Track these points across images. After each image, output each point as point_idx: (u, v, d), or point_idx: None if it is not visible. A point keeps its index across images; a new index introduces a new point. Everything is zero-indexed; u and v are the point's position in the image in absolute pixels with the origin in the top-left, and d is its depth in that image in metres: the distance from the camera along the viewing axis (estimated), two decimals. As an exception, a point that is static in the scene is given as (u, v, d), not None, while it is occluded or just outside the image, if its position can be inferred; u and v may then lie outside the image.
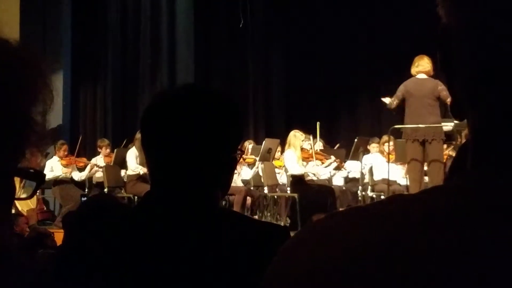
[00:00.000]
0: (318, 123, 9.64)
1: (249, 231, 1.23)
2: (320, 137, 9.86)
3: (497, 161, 0.52)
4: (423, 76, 7.16)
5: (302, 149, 8.88)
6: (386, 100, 7.58)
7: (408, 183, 8.00)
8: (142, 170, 8.36)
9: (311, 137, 9.15)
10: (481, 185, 0.51)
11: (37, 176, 0.80)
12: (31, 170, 0.78)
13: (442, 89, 6.93)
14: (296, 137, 8.83)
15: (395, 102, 7.35)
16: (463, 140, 7.34)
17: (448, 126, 7.29)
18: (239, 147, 1.34)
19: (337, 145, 10.54)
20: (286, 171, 9.05)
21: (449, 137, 7.57)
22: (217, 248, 1.18)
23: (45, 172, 9.24)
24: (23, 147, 0.74)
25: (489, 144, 0.53)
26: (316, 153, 9.12)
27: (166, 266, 1.17)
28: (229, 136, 1.29)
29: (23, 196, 0.85)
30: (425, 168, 7.68)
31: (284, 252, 0.55)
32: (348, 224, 0.53)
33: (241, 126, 1.34)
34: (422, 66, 7.18)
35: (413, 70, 7.26)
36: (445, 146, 8.66)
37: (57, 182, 9.47)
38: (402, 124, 7.61)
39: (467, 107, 0.56)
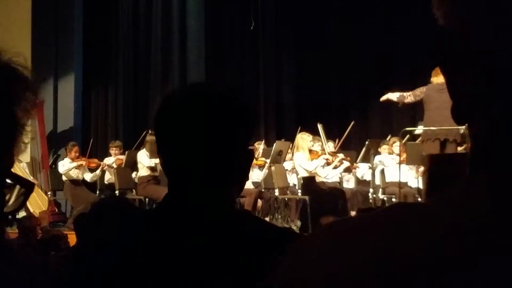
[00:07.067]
0: (319, 125, 9.33)
1: (264, 235, 1.23)
2: (327, 138, 9.71)
3: (498, 166, 0.50)
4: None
5: (310, 150, 8.86)
6: (393, 96, 7.50)
7: (421, 185, 7.97)
8: (155, 162, 8.17)
9: (320, 138, 9.09)
10: (480, 192, 0.50)
11: (27, 184, 0.82)
12: (22, 178, 0.80)
13: None
14: (303, 139, 8.82)
15: (409, 98, 7.28)
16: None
17: (462, 128, 7.26)
18: (249, 144, 1.33)
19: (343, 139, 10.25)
20: (297, 173, 9.04)
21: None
22: (234, 250, 1.18)
23: (58, 169, 9.43)
24: (12, 149, 0.77)
25: (490, 150, 0.51)
26: (328, 153, 9.09)
27: (180, 267, 1.17)
28: (241, 131, 1.28)
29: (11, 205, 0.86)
30: None
31: (292, 257, 0.56)
32: (351, 234, 0.53)
33: (252, 122, 1.33)
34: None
35: (435, 80, 7.18)
36: (459, 148, 8.62)
37: (69, 183, 9.52)
38: (413, 126, 7.58)
39: (468, 110, 0.54)
